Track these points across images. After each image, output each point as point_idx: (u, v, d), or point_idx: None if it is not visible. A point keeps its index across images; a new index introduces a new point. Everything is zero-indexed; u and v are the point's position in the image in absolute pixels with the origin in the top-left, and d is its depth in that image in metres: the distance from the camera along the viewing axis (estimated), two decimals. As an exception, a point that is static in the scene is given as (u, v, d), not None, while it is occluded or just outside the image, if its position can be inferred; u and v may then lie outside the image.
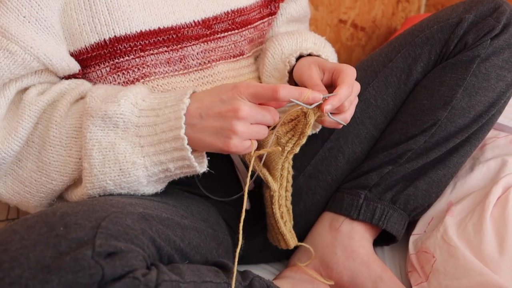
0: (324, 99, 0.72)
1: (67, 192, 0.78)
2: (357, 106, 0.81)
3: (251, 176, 0.90)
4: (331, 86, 0.79)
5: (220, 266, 0.73)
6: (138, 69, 0.81)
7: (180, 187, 0.86)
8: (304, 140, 0.77)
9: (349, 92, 0.75)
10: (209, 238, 0.79)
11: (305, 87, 0.79)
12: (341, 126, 0.80)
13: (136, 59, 0.80)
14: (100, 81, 0.81)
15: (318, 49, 0.90)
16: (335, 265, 0.89)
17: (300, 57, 0.87)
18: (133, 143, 0.71)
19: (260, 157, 0.80)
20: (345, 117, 0.78)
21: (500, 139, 1.02)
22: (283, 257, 0.99)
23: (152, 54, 0.81)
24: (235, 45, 0.89)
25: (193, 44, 0.84)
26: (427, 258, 0.88)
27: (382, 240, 0.95)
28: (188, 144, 0.70)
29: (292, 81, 0.87)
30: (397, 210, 0.90)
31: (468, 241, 0.85)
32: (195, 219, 0.79)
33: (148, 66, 0.81)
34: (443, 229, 0.88)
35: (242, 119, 0.68)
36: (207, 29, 0.85)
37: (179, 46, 0.83)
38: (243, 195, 0.71)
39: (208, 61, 0.85)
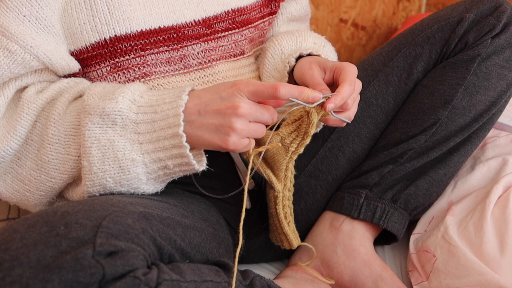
0: (327, 98, 0.72)
1: (68, 191, 0.79)
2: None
3: (252, 175, 0.91)
4: (332, 85, 0.79)
5: (220, 266, 0.73)
6: (139, 68, 0.81)
7: (181, 187, 0.86)
8: (308, 140, 0.77)
9: (351, 90, 0.75)
10: (210, 237, 0.79)
11: (307, 87, 0.79)
12: (344, 124, 0.80)
13: (137, 59, 0.80)
14: (100, 80, 0.81)
15: (318, 48, 0.90)
16: (336, 265, 0.89)
17: (300, 57, 0.87)
18: (132, 140, 0.71)
19: (262, 156, 0.80)
20: (349, 115, 0.78)
21: (500, 138, 1.02)
22: (284, 257, 0.99)
23: (152, 53, 0.81)
24: (235, 45, 0.89)
25: (194, 44, 0.84)
26: (427, 257, 0.87)
27: (383, 239, 0.95)
28: (186, 141, 0.70)
29: (292, 82, 0.87)
30: (397, 210, 0.90)
31: (468, 240, 0.85)
32: (195, 218, 0.79)
33: (148, 65, 0.81)
34: (443, 229, 0.88)
35: (241, 117, 0.68)
36: (208, 28, 0.85)
37: (179, 45, 0.83)
38: (241, 191, 0.71)
39: (209, 61, 0.85)
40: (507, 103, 0.91)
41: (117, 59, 0.79)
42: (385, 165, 0.90)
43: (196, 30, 0.84)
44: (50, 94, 0.76)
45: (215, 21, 0.86)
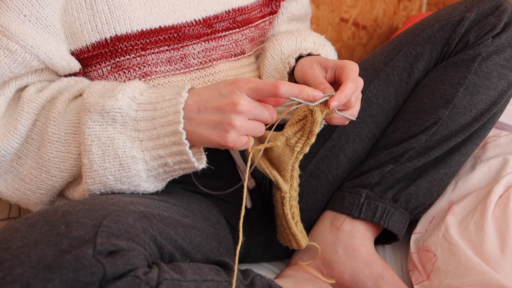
0: (331, 96, 0.73)
1: (69, 190, 0.79)
2: (358, 104, 0.82)
3: (251, 174, 0.91)
4: (334, 83, 0.79)
5: (221, 265, 0.73)
6: (139, 68, 0.81)
7: (181, 186, 0.86)
8: (313, 140, 0.77)
9: (355, 88, 0.75)
10: (210, 236, 0.79)
11: (310, 86, 0.79)
12: (348, 122, 0.80)
13: (137, 58, 0.80)
14: (100, 80, 0.81)
15: (318, 48, 0.90)
16: (337, 264, 0.89)
17: (300, 57, 0.87)
18: (132, 138, 0.71)
19: (264, 156, 0.81)
20: (353, 113, 0.78)
21: (501, 137, 1.02)
22: (284, 256, 0.99)
23: (153, 53, 0.81)
24: (236, 44, 0.89)
25: (194, 43, 0.84)
26: (428, 256, 0.87)
27: (384, 239, 0.95)
28: (186, 138, 0.70)
29: (293, 82, 0.87)
30: (398, 209, 0.90)
31: (469, 239, 0.85)
32: (196, 217, 0.79)
33: (149, 65, 0.81)
34: (444, 228, 0.88)
35: (241, 113, 0.68)
36: (208, 28, 0.85)
37: (180, 45, 0.83)
38: (240, 189, 0.71)
39: (209, 60, 0.85)
40: (508, 103, 0.91)
41: (118, 59, 0.79)
42: (385, 164, 0.90)
43: (197, 29, 0.84)
44: (50, 93, 0.76)
45: (215, 21, 0.86)
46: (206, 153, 0.74)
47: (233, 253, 0.84)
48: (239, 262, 0.71)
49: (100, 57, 0.79)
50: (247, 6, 0.89)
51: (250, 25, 0.91)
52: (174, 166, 0.72)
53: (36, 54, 0.73)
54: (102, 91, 0.73)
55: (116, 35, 0.78)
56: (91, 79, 0.81)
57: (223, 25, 0.87)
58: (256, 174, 0.92)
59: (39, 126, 0.75)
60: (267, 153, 0.81)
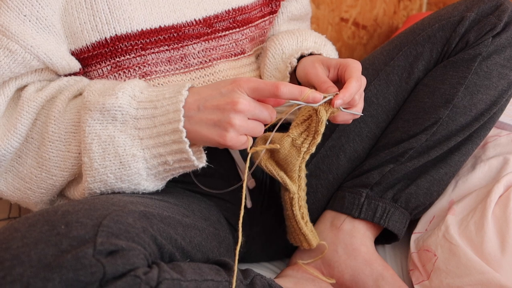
0: (335, 95, 0.73)
1: (69, 189, 0.79)
2: (358, 104, 0.82)
3: (252, 173, 0.91)
4: (337, 82, 0.79)
5: (221, 265, 0.73)
6: (139, 67, 0.81)
7: (182, 186, 0.86)
8: (319, 139, 0.77)
9: (358, 86, 0.75)
10: (210, 236, 0.79)
11: (313, 86, 0.79)
12: (350, 121, 0.81)
13: (137, 58, 0.80)
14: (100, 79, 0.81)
15: (319, 47, 0.90)
16: (337, 264, 0.89)
17: (301, 57, 0.87)
18: (132, 136, 0.71)
19: (271, 158, 0.80)
20: (357, 110, 0.78)
21: (501, 137, 1.02)
22: (285, 256, 0.99)
23: (153, 52, 0.81)
24: (236, 44, 0.89)
25: (194, 43, 0.84)
26: (428, 256, 0.87)
27: (384, 238, 0.95)
28: (186, 137, 0.70)
29: (294, 82, 0.87)
30: (398, 209, 0.90)
31: (469, 239, 0.85)
32: (196, 217, 0.79)
33: (149, 64, 0.81)
34: (444, 228, 0.88)
35: (240, 112, 0.68)
36: (208, 27, 0.85)
37: (180, 44, 0.83)
38: (240, 188, 0.71)
39: (209, 60, 0.85)
40: (508, 102, 0.91)
41: (118, 59, 0.79)
42: (386, 164, 0.90)
43: (197, 29, 0.84)
44: (50, 92, 0.76)
45: (215, 20, 0.86)
46: (206, 152, 0.74)
47: (233, 253, 0.84)
48: (239, 261, 0.71)
49: (100, 57, 0.79)
50: (247, 6, 0.89)
51: (250, 25, 0.91)
52: (174, 165, 0.72)
53: (36, 54, 0.73)
54: (102, 89, 0.73)
55: (116, 35, 0.78)
56: (91, 78, 0.81)
57: (223, 25, 0.87)
58: (257, 174, 0.92)
59: (39, 125, 0.75)
60: (274, 155, 0.81)
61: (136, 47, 0.79)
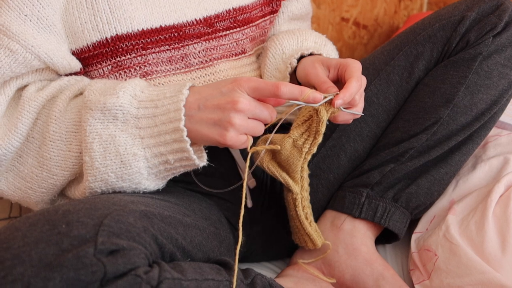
0: (336, 95, 0.73)
1: (70, 189, 0.79)
2: (358, 104, 0.82)
3: (252, 173, 0.91)
4: (337, 82, 0.79)
5: (222, 264, 0.73)
6: (140, 67, 0.81)
7: (182, 185, 0.86)
8: (320, 139, 0.78)
9: (359, 86, 0.75)
10: (211, 236, 0.79)
11: (313, 86, 0.79)
12: (351, 121, 0.81)
13: (138, 58, 0.80)
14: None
15: (319, 47, 0.91)
16: (337, 264, 0.89)
17: (301, 57, 0.87)
18: (133, 135, 0.71)
19: (273, 159, 0.80)
20: (357, 110, 0.78)
21: (502, 137, 1.02)
22: (285, 256, 0.99)
23: (153, 52, 0.81)
24: (236, 44, 0.89)
25: (195, 43, 0.84)
26: (429, 256, 0.87)
27: (384, 238, 0.95)
28: (186, 136, 0.70)
29: (294, 82, 0.87)
30: (399, 208, 0.90)
31: (470, 239, 0.85)
32: (197, 217, 0.79)
33: (149, 64, 0.81)
34: (445, 227, 0.88)
35: (240, 112, 0.68)
36: (209, 27, 0.85)
37: (180, 44, 0.83)
38: (240, 188, 0.71)
39: (210, 60, 0.86)
40: (508, 102, 0.91)
41: (118, 58, 0.79)
42: (386, 164, 0.90)
43: (197, 29, 0.84)
44: (51, 92, 0.76)
45: (216, 20, 0.86)
46: (207, 151, 0.74)
47: (233, 252, 0.84)
48: (240, 261, 0.71)
49: (101, 57, 0.79)
50: (248, 6, 0.89)
51: (250, 25, 0.91)
52: (175, 164, 0.72)
53: (37, 53, 0.74)
54: (103, 89, 0.73)
55: (116, 34, 0.78)
56: (92, 78, 0.81)
57: (223, 25, 0.87)
58: (257, 174, 0.92)
59: (40, 125, 0.75)
60: (276, 156, 0.81)
61: (137, 46, 0.79)
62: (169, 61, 0.83)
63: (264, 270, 0.97)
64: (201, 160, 0.73)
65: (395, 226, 0.90)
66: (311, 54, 0.88)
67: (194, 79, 0.84)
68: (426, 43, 0.90)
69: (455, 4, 0.92)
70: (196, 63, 0.85)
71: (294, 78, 0.88)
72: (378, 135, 0.94)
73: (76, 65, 0.79)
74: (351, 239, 0.89)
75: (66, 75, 0.80)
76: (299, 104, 0.71)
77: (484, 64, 0.87)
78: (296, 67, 0.86)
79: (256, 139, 0.79)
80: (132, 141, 0.71)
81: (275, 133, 0.77)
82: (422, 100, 0.90)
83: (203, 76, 0.85)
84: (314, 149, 0.79)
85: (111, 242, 0.58)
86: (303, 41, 0.91)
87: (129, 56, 0.80)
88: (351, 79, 0.75)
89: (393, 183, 0.90)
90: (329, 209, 0.94)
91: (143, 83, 0.75)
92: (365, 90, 0.82)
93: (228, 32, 0.87)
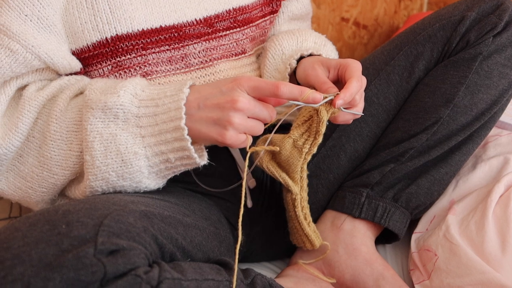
0: (336, 95, 0.73)
1: (70, 188, 0.79)
2: (359, 103, 0.82)
3: (252, 173, 0.91)
4: (337, 82, 0.79)
5: (222, 264, 0.73)
6: (140, 67, 0.81)
7: (182, 185, 0.86)
8: (320, 139, 0.78)
9: (359, 86, 0.76)
10: (211, 236, 0.79)
11: (313, 87, 0.79)
12: (351, 121, 0.81)
13: (138, 58, 0.80)
14: (101, 79, 0.81)
15: (319, 48, 0.90)
16: (337, 264, 0.89)
17: (301, 57, 0.87)
18: (134, 134, 0.71)
19: (273, 160, 0.80)
20: (358, 110, 0.78)
21: (502, 137, 1.02)
22: (285, 256, 0.99)
23: (153, 52, 0.81)
24: (236, 44, 0.89)
25: (195, 43, 0.84)
26: (429, 256, 0.87)
27: (384, 238, 0.95)
28: (187, 134, 0.70)
29: (294, 83, 0.87)
30: (399, 208, 0.90)
31: (470, 239, 0.85)
32: (197, 217, 0.79)
33: (149, 64, 0.81)
34: (445, 227, 0.88)
35: (240, 111, 0.68)
36: (209, 27, 0.85)
37: (180, 44, 0.83)
38: (240, 187, 0.71)
39: (210, 60, 0.86)
40: (508, 102, 0.91)
41: (118, 58, 0.79)
42: (386, 164, 0.90)
43: (197, 29, 0.84)
44: (51, 91, 0.76)
45: (216, 20, 0.86)
46: (207, 150, 0.74)
47: (233, 252, 0.84)
48: (240, 261, 0.71)
49: (101, 57, 0.79)
50: (248, 6, 0.89)
51: (250, 25, 0.91)
52: (176, 162, 0.72)
53: (37, 53, 0.74)
54: (104, 88, 0.73)
55: (117, 34, 0.78)
56: (92, 78, 0.81)
57: (223, 25, 0.87)
58: (257, 174, 0.92)
59: (40, 124, 0.75)
60: (275, 156, 0.81)
61: (137, 47, 0.79)
62: (169, 61, 0.83)
63: (264, 270, 0.97)
64: (202, 159, 0.73)
65: (395, 226, 0.90)
66: (310, 55, 0.88)
67: (194, 79, 0.84)
68: (426, 43, 0.90)
69: (455, 4, 0.92)
70: (196, 63, 0.85)
71: (294, 79, 0.88)
72: (378, 135, 0.94)
73: (76, 65, 0.79)
74: (351, 239, 0.89)
75: (66, 75, 0.80)
76: (299, 105, 0.71)
77: (484, 64, 0.87)
78: (296, 68, 0.86)
79: (256, 138, 0.79)
80: (133, 139, 0.71)
81: (275, 133, 0.77)
82: (422, 100, 0.90)
83: (203, 76, 0.85)
84: (314, 150, 0.79)
85: (111, 242, 0.58)
86: (303, 41, 0.91)
87: (129, 56, 0.80)
88: (351, 79, 0.75)
89: (393, 183, 0.90)
90: (329, 209, 0.94)
91: (143, 82, 0.75)
92: (365, 90, 0.82)
93: (228, 32, 0.87)
